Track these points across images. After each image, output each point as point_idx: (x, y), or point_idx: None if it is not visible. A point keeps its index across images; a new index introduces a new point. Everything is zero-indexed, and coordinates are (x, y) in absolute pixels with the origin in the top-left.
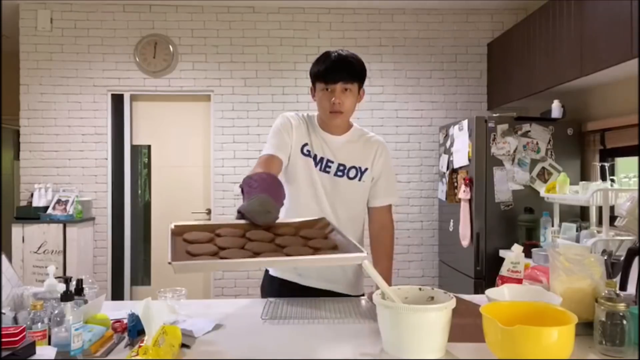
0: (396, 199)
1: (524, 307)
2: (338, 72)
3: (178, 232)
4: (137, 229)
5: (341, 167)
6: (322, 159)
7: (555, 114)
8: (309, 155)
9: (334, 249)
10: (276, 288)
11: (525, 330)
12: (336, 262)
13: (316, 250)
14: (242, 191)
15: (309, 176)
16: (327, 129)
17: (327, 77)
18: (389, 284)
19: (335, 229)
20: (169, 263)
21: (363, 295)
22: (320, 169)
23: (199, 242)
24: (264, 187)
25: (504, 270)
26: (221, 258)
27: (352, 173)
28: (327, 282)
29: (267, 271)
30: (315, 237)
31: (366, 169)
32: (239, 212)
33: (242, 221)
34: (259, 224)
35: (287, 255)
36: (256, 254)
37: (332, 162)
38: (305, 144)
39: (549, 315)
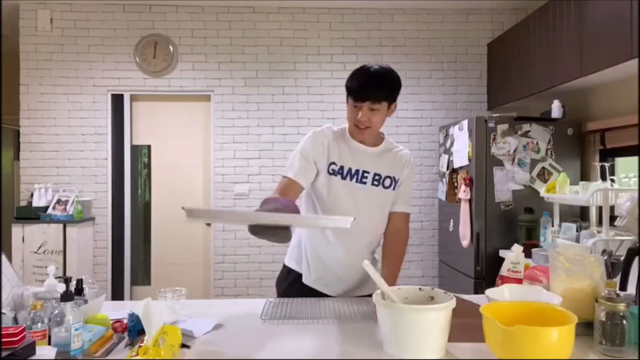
0: (409, 206)
1: (524, 307)
2: (366, 92)
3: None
4: (137, 229)
5: (376, 177)
6: (358, 171)
7: (555, 114)
8: (333, 174)
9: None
10: (301, 294)
11: (525, 330)
12: (324, 223)
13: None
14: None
15: (333, 195)
16: (364, 141)
17: (356, 95)
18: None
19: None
20: (183, 208)
21: None
22: (356, 181)
23: None
24: (278, 201)
25: (504, 270)
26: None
27: (387, 182)
28: (352, 289)
29: (296, 278)
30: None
31: (398, 179)
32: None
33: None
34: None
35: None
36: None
37: (368, 173)
38: (332, 163)
39: (549, 315)
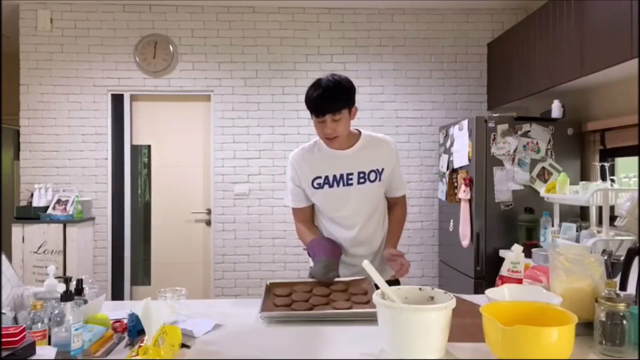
0: (406, 187)
1: (524, 307)
2: (324, 107)
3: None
4: (137, 229)
5: (362, 175)
6: (342, 175)
7: (555, 114)
8: (319, 187)
9: (367, 303)
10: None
11: (525, 330)
12: (351, 316)
13: (353, 304)
14: (309, 254)
15: (328, 203)
16: (338, 147)
17: (316, 112)
18: (395, 245)
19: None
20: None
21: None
22: (343, 185)
23: (281, 296)
24: (323, 249)
25: (504, 270)
26: (292, 309)
27: (372, 176)
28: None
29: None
30: (358, 293)
31: (383, 169)
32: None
33: (312, 280)
34: (324, 281)
35: (334, 308)
36: (314, 306)
37: (352, 174)
38: (316, 178)
39: (549, 315)
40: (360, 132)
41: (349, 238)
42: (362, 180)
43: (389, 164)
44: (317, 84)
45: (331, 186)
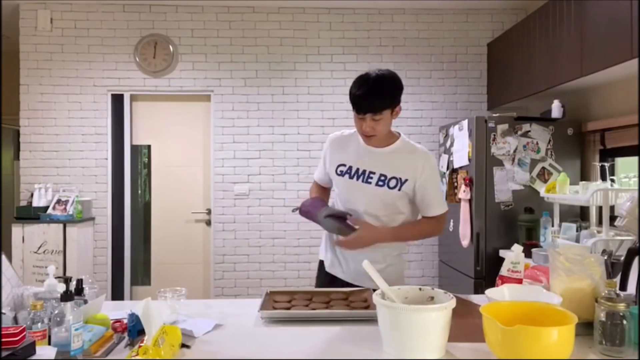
0: (444, 208)
1: (524, 307)
2: (367, 106)
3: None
4: (137, 229)
5: (382, 177)
6: (364, 171)
7: (555, 114)
8: (341, 175)
9: (366, 308)
10: (327, 281)
11: (525, 330)
12: (351, 316)
13: (353, 309)
14: (300, 210)
15: (345, 192)
16: (371, 143)
17: (358, 109)
18: (402, 237)
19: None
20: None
21: None
22: (362, 181)
23: (281, 302)
24: (310, 206)
25: (504, 270)
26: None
27: (392, 183)
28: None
29: (322, 270)
30: (358, 300)
31: (406, 180)
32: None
33: (312, 289)
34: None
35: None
36: (314, 310)
37: (374, 173)
38: (341, 165)
39: (549, 315)
40: (399, 135)
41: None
42: (380, 183)
43: (416, 178)
44: (364, 80)
45: (351, 177)
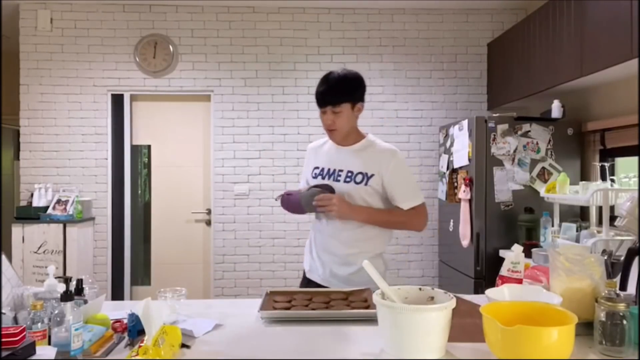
0: (418, 200)
1: (524, 307)
2: (325, 99)
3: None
4: (137, 229)
5: (349, 174)
6: (334, 170)
7: (555, 114)
8: (315, 177)
9: (367, 308)
10: (305, 286)
11: (525, 330)
12: (351, 316)
13: (353, 309)
14: (282, 196)
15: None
16: (340, 142)
17: (318, 103)
18: (375, 220)
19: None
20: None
21: None
22: (333, 180)
23: (280, 302)
24: (293, 191)
25: (504, 270)
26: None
27: (358, 178)
28: (337, 279)
29: (305, 277)
30: (358, 300)
31: (372, 175)
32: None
33: (312, 289)
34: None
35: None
36: (313, 310)
37: (342, 171)
38: (315, 168)
39: (549, 315)
40: (367, 135)
41: (324, 230)
42: (348, 180)
43: (383, 173)
44: (326, 76)
45: (323, 178)
